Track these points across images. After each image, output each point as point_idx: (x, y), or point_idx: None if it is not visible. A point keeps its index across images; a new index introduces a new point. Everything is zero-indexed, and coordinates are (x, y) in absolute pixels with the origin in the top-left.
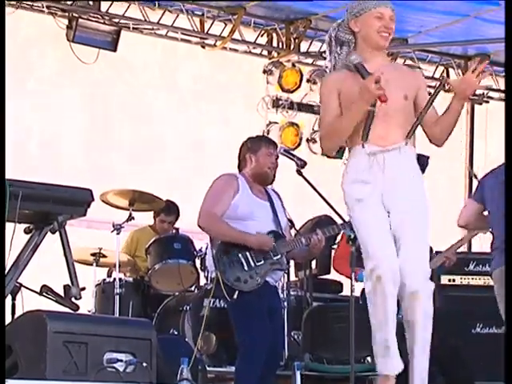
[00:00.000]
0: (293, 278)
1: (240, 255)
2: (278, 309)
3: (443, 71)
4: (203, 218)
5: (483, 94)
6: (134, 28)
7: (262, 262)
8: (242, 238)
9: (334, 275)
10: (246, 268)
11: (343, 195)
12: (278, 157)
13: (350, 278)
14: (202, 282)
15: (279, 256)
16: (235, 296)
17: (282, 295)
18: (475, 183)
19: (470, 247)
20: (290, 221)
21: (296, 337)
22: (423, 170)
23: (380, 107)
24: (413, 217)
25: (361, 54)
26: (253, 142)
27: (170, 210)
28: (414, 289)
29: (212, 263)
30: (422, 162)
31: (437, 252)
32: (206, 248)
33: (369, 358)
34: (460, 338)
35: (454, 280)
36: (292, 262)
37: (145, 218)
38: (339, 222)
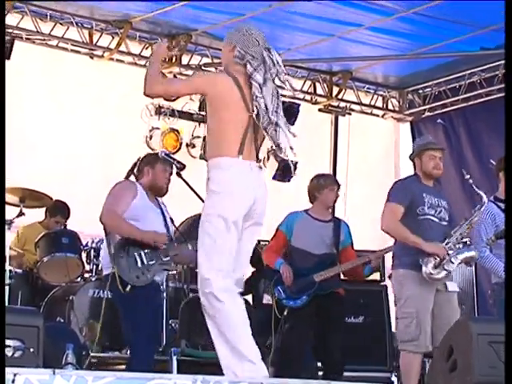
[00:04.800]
0: None
1: (135, 253)
2: (160, 305)
3: (310, 85)
4: (106, 215)
5: (346, 106)
6: (26, 38)
7: (154, 261)
8: (140, 235)
9: None
10: (139, 265)
11: None
12: (171, 173)
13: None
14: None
15: (168, 258)
16: (127, 289)
17: (161, 287)
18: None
19: None
20: (171, 218)
21: (173, 325)
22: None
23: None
24: None
25: None
26: (151, 158)
27: (65, 212)
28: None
29: (107, 261)
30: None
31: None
32: (92, 242)
33: None
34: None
35: None
36: None
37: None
38: None
